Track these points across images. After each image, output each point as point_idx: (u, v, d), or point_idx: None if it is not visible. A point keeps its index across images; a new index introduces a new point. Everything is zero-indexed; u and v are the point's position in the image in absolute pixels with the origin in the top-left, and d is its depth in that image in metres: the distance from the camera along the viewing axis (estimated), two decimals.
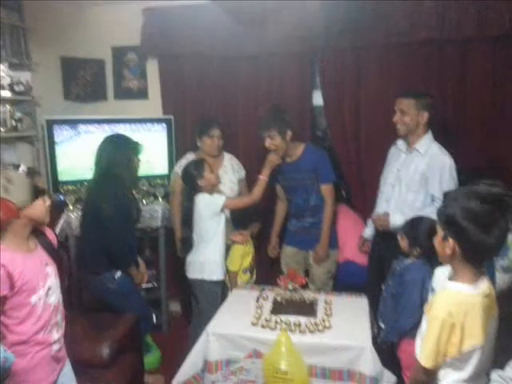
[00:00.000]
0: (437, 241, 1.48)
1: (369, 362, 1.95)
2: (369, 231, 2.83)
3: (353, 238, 2.98)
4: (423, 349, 1.43)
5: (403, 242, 2.18)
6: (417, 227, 2.14)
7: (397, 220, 2.43)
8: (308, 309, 2.23)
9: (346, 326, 2.12)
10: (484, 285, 1.43)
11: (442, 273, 1.77)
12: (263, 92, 3.24)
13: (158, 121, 3.33)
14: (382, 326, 2.21)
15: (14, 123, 2.91)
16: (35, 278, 1.60)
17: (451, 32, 2.80)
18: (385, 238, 2.57)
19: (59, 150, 3.10)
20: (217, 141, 2.96)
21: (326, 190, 2.78)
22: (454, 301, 1.39)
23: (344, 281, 2.96)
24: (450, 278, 1.49)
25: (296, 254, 2.94)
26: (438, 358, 1.39)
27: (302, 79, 3.18)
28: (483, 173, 2.62)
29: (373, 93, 3.04)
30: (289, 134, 2.72)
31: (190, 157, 3.00)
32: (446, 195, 1.49)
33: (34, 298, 1.59)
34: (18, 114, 2.95)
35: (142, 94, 3.49)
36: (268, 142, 2.70)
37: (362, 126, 3.11)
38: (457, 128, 2.93)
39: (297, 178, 2.80)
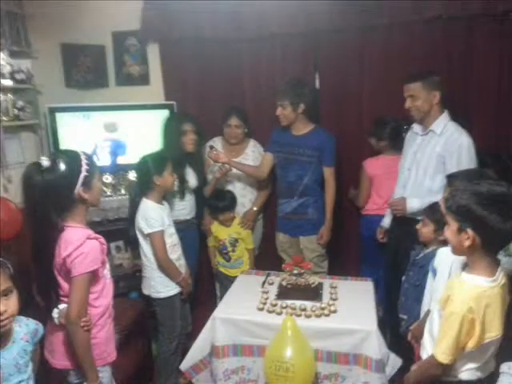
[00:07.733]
0: (450, 233, 1.38)
1: (375, 345, 1.96)
2: (387, 220, 2.71)
3: (382, 191, 2.86)
4: (440, 345, 1.38)
5: (427, 229, 2.07)
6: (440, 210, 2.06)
7: (414, 205, 2.35)
8: (314, 293, 2.23)
9: (352, 310, 2.13)
10: (500, 274, 1.38)
11: (444, 253, 1.73)
12: (265, 74, 3.17)
13: (161, 106, 3.29)
14: (404, 317, 2.16)
15: (16, 112, 2.88)
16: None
17: (457, 9, 2.73)
18: (401, 225, 2.49)
19: (62, 138, 3.09)
20: (235, 129, 2.97)
21: (330, 172, 2.78)
22: (474, 296, 1.33)
23: (367, 234, 2.90)
24: (465, 269, 1.42)
25: (288, 240, 2.97)
26: (456, 353, 1.35)
27: (305, 61, 3.11)
28: (499, 154, 2.57)
29: (377, 76, 2.98)
30: (301, 107, 2.71)
31: (217, 140, 3.08)
32: (450, 181, 1.42)
33: (105, 271, 1.68)
34: (19, 103, 2.92)
35: (143, 79, 3.43)
36: (279, 111, 2.73)
37: (364, 111, 3.05)
38: (465, 107, 2.85)
39: (297, 152, 2.77)
